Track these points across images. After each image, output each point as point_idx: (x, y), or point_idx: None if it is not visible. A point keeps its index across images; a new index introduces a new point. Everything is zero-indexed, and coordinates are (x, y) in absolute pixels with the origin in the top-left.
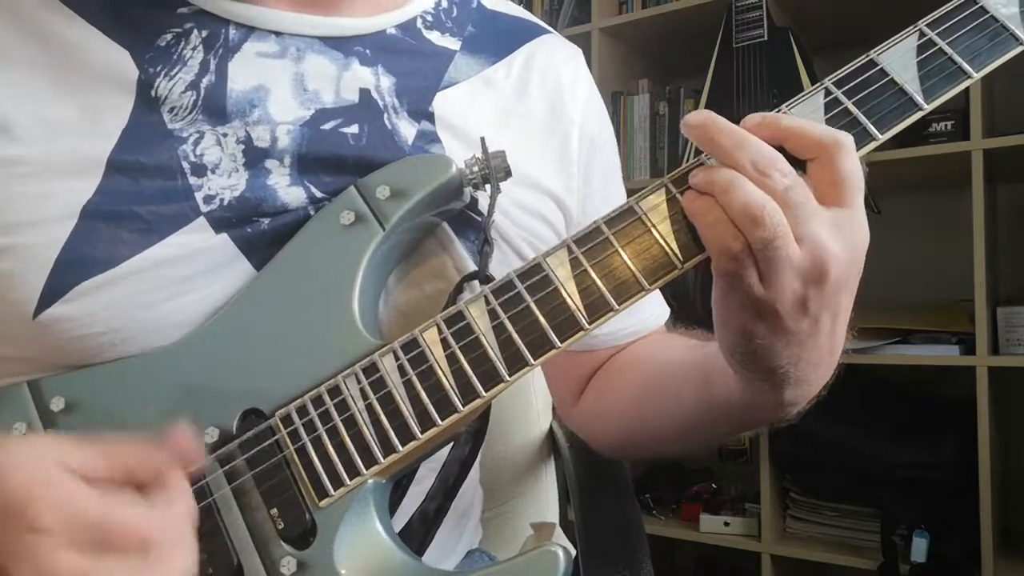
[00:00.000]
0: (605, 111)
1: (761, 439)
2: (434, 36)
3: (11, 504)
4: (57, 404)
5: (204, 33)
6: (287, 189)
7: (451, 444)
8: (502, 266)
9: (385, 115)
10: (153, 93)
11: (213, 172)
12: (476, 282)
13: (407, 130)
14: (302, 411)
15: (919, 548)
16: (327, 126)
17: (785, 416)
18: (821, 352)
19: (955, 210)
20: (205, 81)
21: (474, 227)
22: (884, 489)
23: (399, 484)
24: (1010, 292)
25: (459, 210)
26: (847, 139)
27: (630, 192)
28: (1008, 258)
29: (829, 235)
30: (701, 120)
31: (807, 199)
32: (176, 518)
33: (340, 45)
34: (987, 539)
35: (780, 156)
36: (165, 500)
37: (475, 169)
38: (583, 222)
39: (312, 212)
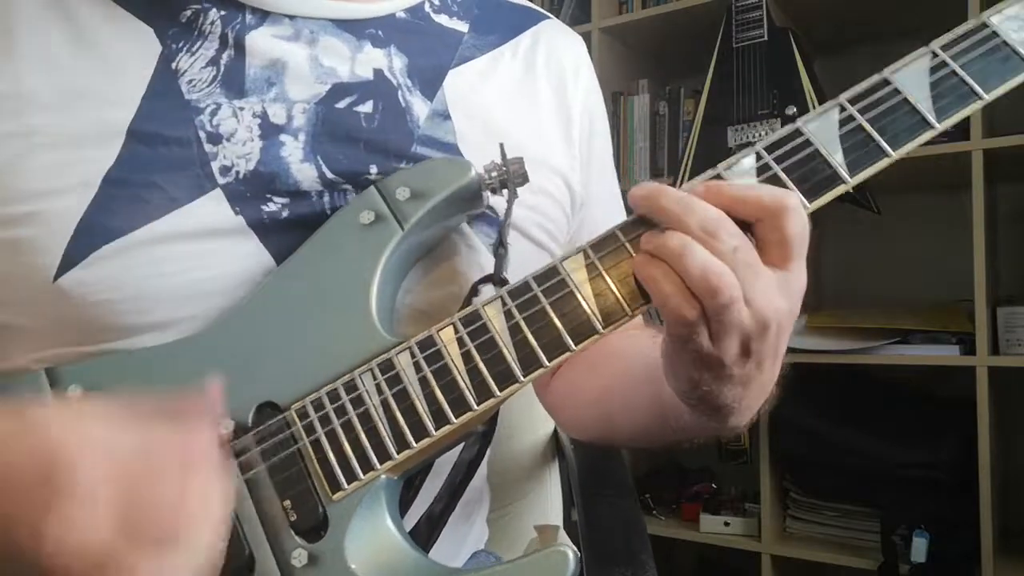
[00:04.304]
0: (602, 100)
1: (761, 439)
2: (443, 19)
3: (46, 461)
4: (74, 393)
5: (222, 12)
6: (300, 165)
7: (462, 445)
8: (513, 253)
9: (399, 92)
10: (174, 66)
11: (228, 140)
12: (491, 284)
13: (420, 108)
14: (318, 405)
15: (919, 548)
16: (342, 104)
17: (732, 432)
18: (763, 387)
19: (955, 210)
20: (225, 57)
21: (489, 220)
22: (884, 489)
23: (411, 483)
24: (1010, 292)
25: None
26: (793, 201)
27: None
28: (1008, 258)
29: (775, 294)
30: (646, 191)
31: (755, 260)
32: (204, 443)
33: (352, 28)
34: (987, 539)
35: (726, 217)
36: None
37: (493, 175)
38: (587, 201)
39: (325, 194)
